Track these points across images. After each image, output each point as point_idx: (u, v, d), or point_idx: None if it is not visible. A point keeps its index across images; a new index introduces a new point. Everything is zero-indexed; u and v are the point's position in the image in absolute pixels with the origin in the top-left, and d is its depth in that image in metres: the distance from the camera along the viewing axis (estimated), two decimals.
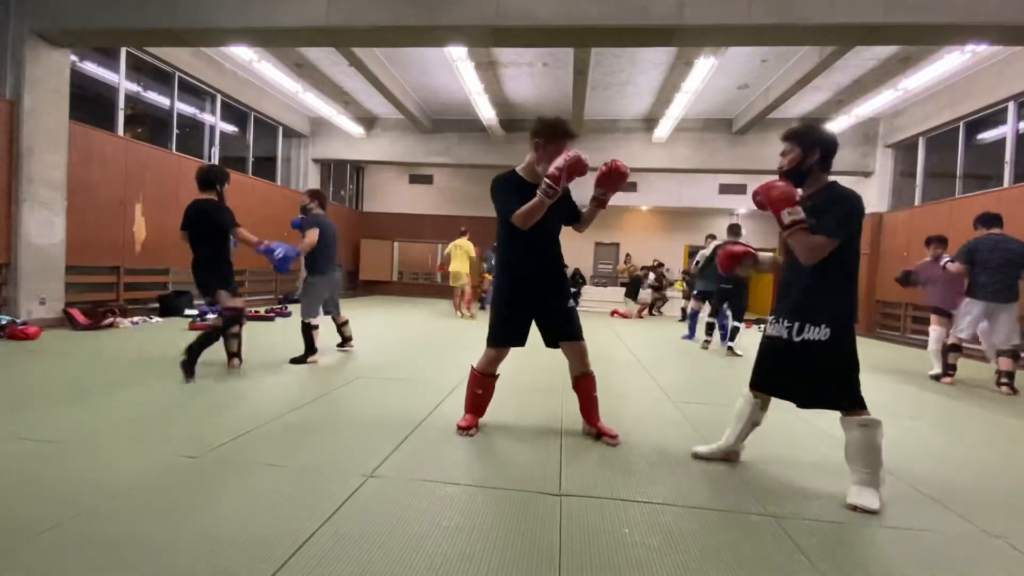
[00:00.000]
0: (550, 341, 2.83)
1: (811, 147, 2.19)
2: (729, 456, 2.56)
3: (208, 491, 2.00)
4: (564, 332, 2.79)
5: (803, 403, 2.25)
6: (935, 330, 5.43)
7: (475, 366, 2.90)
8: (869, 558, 1.75)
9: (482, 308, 10.98)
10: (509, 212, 2.60)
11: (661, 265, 13.75)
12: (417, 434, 2.78)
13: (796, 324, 2.18)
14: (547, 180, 2.47)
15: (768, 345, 2.34)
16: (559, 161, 2.45)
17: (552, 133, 2.61)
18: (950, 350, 5.12)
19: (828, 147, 2.21)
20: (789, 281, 2.28)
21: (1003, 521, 2.06)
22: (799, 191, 2.22)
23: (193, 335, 4.13)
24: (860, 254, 2.23)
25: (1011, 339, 4.81)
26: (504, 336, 2.79)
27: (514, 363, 3.64)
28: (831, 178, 2.25)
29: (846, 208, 2.10)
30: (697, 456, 2.61)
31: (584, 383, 2.84)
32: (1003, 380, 4.81)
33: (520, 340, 2.79)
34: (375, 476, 2.19)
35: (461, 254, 9.53)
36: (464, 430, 2.84)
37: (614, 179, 2.65)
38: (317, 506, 1.89)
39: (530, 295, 2.76)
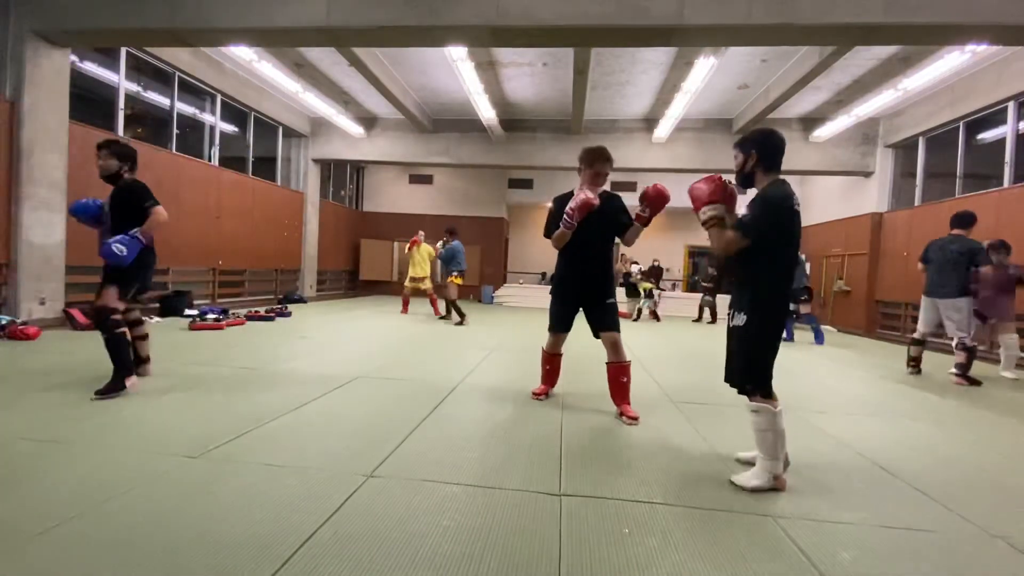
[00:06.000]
0: (594, 332, 3.40)
1: (749, 151, 2.36)
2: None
3: (208, 491, 1.99)
4: (599, 324, 3.37)
5: (728, 381, 2.42)
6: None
7: (544, 347, 3.67)
8: (869, 558, 1.75)
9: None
10: (549, 234, 3.37)
11: (660, 266, 13.70)
12: (417, 434, 2.78)
13: (732, 312, 2.38)
14: (565, 215, 3.12)
15: None
16: (572, 203, 3.08)
17: (588, 161, 3.27)
18: (912, 344, 5.42)
19: (761, 150, 2.34)
20: (734, 278, 2.45)
21: (1003, 521, 2.07)
22: (732, 187, 2.44)
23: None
24: (786, 254, 2.27)
25: (957, 333, 5.00)
26: (554, 324, 3.52)
27: (514, 366, 3.63)
28: (782, 177, 2.34)
29: (758, 209, 2.25)
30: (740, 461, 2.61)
31: (612, 369, 3.35)
32: (954, 372, 5.06)
33: (566, 327, 3.51)
34: (375, 476, 2.20)
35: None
36: (536, 395, 3.68)
37: (654, 201, 3.14)
38: (317, 506, 1.89)
39: (572, 293, 3.42)
